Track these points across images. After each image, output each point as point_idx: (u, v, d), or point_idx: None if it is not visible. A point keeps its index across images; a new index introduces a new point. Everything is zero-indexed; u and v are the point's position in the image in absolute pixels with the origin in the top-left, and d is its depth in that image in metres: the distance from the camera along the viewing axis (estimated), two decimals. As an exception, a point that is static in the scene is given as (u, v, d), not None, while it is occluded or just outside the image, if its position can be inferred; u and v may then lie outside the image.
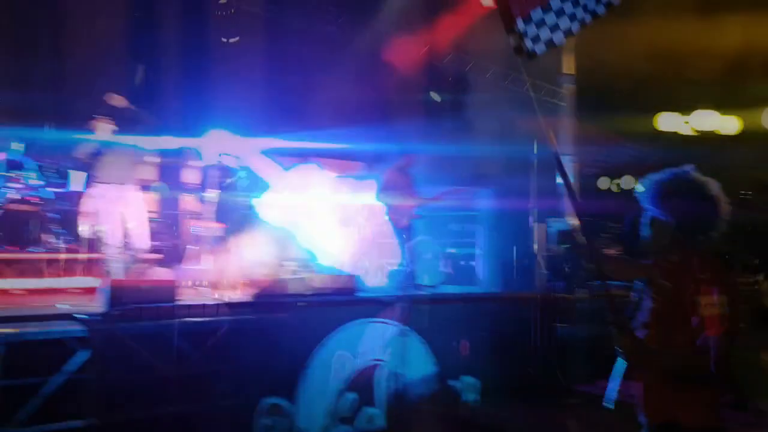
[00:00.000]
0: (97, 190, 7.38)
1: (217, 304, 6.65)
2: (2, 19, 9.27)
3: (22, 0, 9.60)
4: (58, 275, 7.78)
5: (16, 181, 8.36)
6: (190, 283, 7.93)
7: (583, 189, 10.62)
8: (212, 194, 8.06)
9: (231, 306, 6.67)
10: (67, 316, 5.58)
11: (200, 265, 8.14)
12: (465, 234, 10.30)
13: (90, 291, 7.28)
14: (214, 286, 7.83)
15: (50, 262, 7.88)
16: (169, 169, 10.07)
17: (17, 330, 5.19)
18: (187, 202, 10.22)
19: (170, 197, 9.93)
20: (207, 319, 6.29)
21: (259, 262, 7.98)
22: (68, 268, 7.92)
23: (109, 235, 7.32)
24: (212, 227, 8.59)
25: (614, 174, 14.35)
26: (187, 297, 6.95)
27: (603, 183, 14.44)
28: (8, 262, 7.64)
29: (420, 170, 9.08)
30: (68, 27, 9.70)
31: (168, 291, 6.37)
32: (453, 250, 10.25)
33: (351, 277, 7.50)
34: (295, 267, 8.08)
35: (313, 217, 9.00)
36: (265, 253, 8.17)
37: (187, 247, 8.73)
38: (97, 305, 5.99)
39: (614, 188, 14.35)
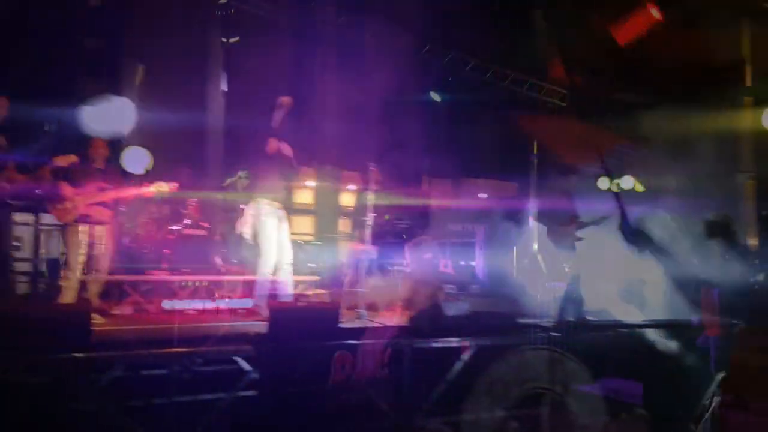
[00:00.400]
0: (257, 213, 7.59)
1: (376, 328, 6.65)
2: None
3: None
4: (226, 296, 8.08)
5: (188, 206, 8.83)
6: (348, 305, 7.99)
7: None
8: (369, 217, 8.10)
9: (390, 330, 6.63)
10: (237, 337, 5.74)
11: (358, 288, 8.18)
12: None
13: (255, 311, 7.53)
14: (372, 308, 7.84)
15: (219, 283, 8.20)
16: (326, 193, 10.30)
17: (192, 349, 5.39)
18: (344, 225, 10.38)
19: (328, 220, 10.12)
20: (366, 341, 6.29)
21: (416, 286, 7.92)
22: (235, 288, 8.22)
23: (268, 256, 7.53)
24: (368, 250, 8.64)
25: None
26: (346, 319, 7.01)
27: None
28: (182, 284, 8.03)
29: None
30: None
31: (329, 313, 6.47)
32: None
33: (515, 301, 7.26)
34: (453, 290, 7.95)
35: (473, 239, 8.83)
36: (423, 276, 8.10)
37: (345, 269, 8.82)
38: (262, 326, 6.15)
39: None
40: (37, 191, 7.50)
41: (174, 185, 7.38)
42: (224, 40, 10.17)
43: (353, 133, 10.79)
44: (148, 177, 8.10)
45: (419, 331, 6.61)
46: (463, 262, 10.15)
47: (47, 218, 7.48)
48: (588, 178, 11.80)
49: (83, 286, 6.84)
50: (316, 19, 10.34)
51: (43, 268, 7.49)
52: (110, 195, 7.05)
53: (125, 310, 7.52)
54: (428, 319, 6.80)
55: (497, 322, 7.12)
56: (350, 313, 7.48)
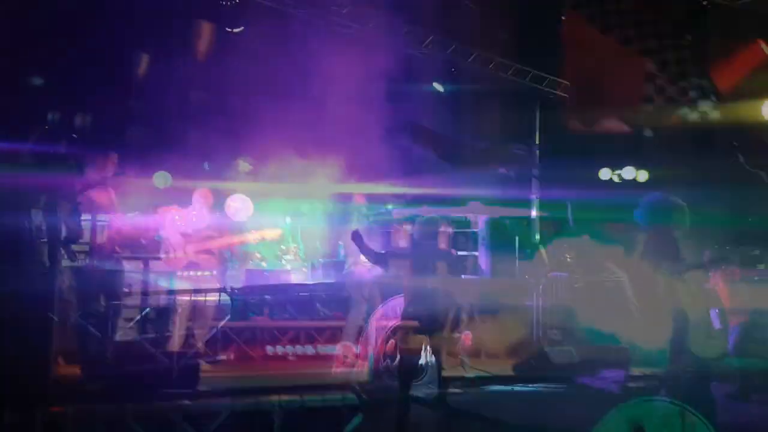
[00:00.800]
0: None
1: (479, 377, 6.51)
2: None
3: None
4: (327, 342, 8.06)
5: (288, 252, 8.94)
6: (449, 351, 7.83)
7: None
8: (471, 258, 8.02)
9: (493, 378, 6.48)
10: (341, 386, 5.72)
11: (459, 333, 8.03)
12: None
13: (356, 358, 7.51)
14: (474, 354, 7.67)
15: (320, 329, 8.21)
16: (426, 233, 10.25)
17: (297, 397, 5.40)
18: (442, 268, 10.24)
19: (426, 263, 10.00)
20: (468, 390, 6.19)
21: (519, 331, 7.72)
22: (336, 335, 8.19)
23: (360, 308, 7.57)
24: (468, 292, 8.50)
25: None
26: (448, 366, 6.87)
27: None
28: (295, 330, 8.07)
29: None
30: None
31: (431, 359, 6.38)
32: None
33: (623, 349, 6.92)
34: (559, 337, 7.67)
35: (583, 283, 8.50)
36: (527, 321, 7.88)
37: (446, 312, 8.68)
38: (364, 373, 6.11)
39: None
40: (145, 240, 7.80)
41: (278, 231, 7.54)
42: (228, 29, 10.25)
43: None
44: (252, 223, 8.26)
45: (523, 381, 6.44)
46: (464, 252, 9.94)
47: (156, 266, 7.70)
48: (590, 169, 11.56)
49: (191, 333, 6.99)
50: (320, 10, 10.30)
51: (152, 315, 7.69)
52: (216, 243, 7.24)
53: (230, 356, 7.63)
54: (534, 368, 6.61)
55: (605, 369, 6.83)
56: (452, 360, 7.32)
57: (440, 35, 11.06)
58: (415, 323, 8.34)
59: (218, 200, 8.03)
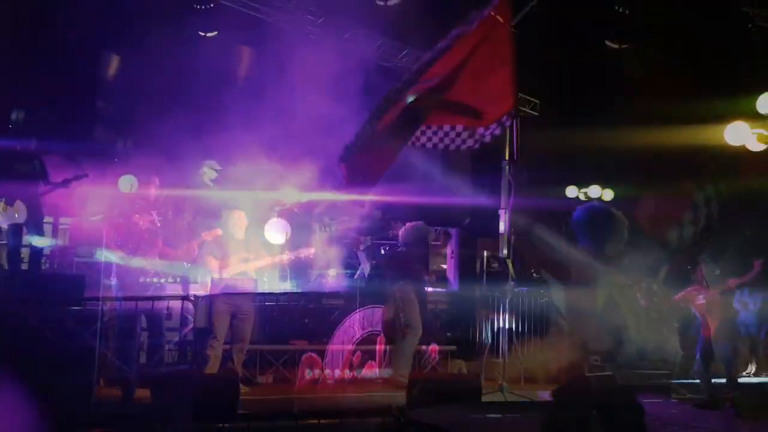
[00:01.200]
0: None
1: (522, 403, 6.42)
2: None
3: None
4: (365, 366, 8.03)
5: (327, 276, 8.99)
6: (488, 376, 7.75)
7: None
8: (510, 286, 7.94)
9: (532, 404, 6.38)
10: (380, 410, 5.69)
11: (498, 358, 7.95)
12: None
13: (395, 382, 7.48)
14: (514, 379, 7.59)
15: (356, 352, 8.18)
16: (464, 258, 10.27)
17: (336, 421, 5.39)
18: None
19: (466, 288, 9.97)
20: (510, 416, 6.09)
21: (560, 356, 7.61)
22: (372, 358, 8.16)
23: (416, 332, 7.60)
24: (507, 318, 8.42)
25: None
26: (487, 391, 6.79)
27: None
28: (320, 353, 8.06)
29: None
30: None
31: (470, 386, 6.34)
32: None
33: (665, 375, 6.79)
34: (599, 362, 7.55)
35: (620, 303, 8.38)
36: (565, 345, 7.78)
37: (484, 336, 8.64)
38: (404, 397, 6.07)
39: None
40: (185, 264, 7.91)
41: (311, 250, 7.58)
42: (202, 33, 10.26)
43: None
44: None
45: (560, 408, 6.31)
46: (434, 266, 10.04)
47: (193, 289, 7.79)
48: (557, 186, 11.63)
49: (228, 355, 7.02)
50: (302, 21, 10.25)
51: (191, 337, 7.76)
52: (252, 265, 7.30)
53: (267, 379, 7.64)
54: (568, 395, 6.47)
55: (647, 395, 6.68)
56: (491, 384, 7.25)
57: (416, 48, 11.07)
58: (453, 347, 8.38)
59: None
